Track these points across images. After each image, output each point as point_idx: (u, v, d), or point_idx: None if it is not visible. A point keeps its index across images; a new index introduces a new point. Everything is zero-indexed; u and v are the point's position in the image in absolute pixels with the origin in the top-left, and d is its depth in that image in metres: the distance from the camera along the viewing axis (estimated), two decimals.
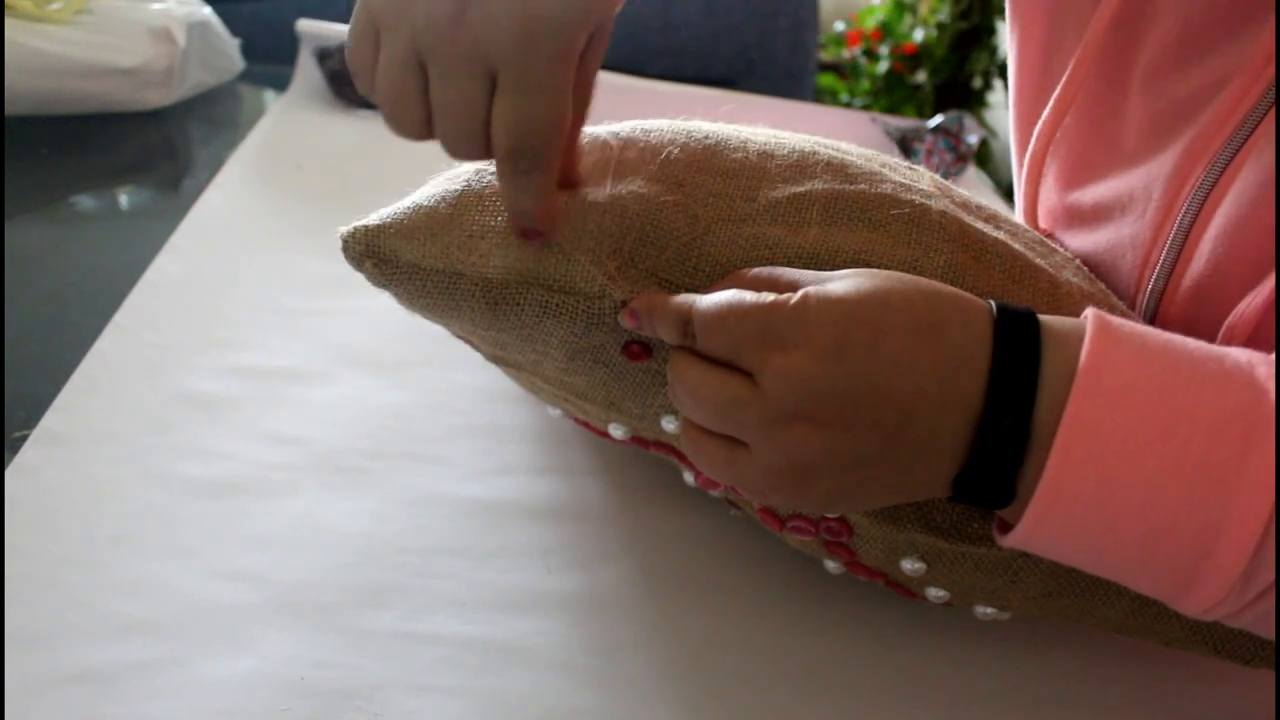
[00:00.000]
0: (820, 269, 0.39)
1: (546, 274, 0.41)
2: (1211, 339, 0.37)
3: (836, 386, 0.33)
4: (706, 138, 0.44)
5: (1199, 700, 0.46)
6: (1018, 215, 0.59)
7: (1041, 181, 0.53)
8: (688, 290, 0.40)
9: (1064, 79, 0.49)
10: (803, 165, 0.43)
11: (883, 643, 0.47)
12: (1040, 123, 0.50)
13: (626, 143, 0.44)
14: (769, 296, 0.35)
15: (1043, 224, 0.55)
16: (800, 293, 0.34)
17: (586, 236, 0.40)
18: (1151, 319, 0.47)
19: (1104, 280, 0.49)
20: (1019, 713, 0.45)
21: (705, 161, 0.43)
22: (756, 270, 0.39)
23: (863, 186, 0.42)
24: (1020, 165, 0.55)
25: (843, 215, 0.41)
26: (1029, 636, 0.48)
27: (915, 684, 0.45)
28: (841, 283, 0.35)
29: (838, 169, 0.43)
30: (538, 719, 0.41)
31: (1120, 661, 0.48)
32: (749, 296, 0.35)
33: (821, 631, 0.47)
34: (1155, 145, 0.46)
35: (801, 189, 0.42)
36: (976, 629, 0.48)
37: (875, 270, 0.36)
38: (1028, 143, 0.53)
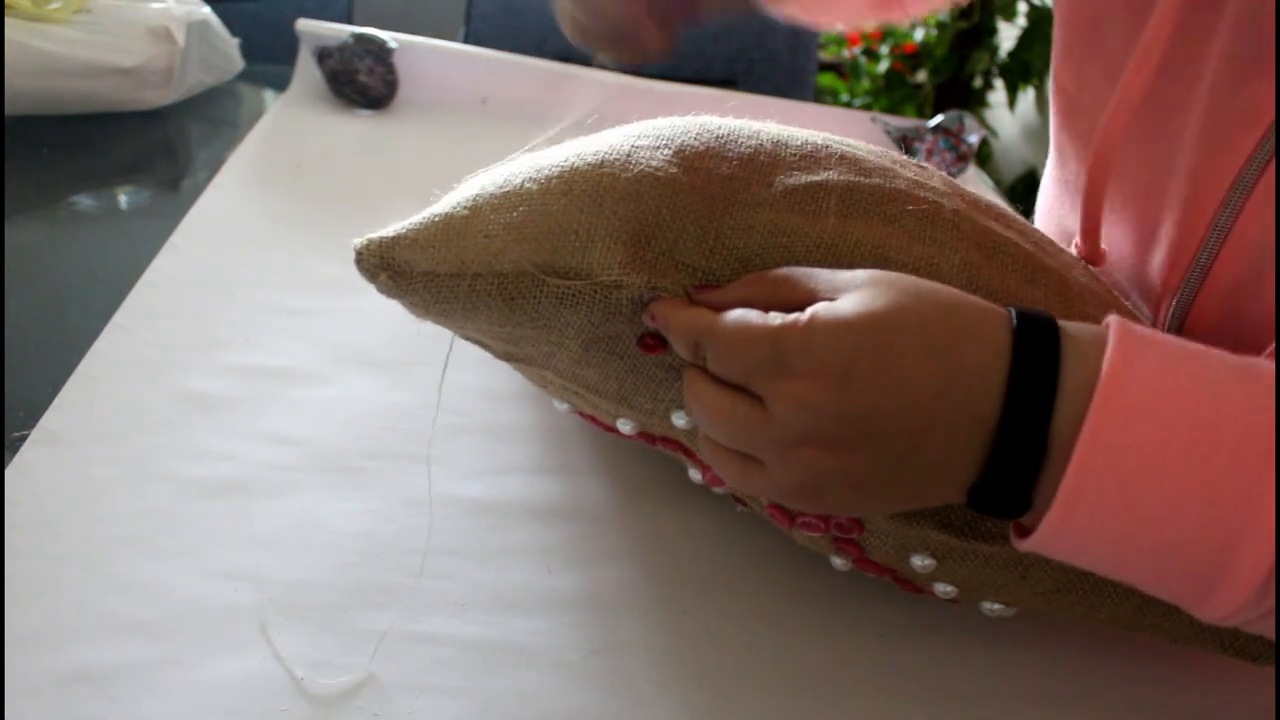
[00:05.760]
0: (839, 261, 0.39)
1: (562, 262, 0.40)
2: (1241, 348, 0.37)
3: (845, 412, 0.33)
4: (719, 128, 0.44)
5: (1201, 700, 0.46)
6: (1047, 179, 0.59)
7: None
8: (706, 273, 0.40)
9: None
10: (817, 156, 0.43)
11: (885, 642, 0.47)
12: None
13: (639, 135, 0.44)
14: (776, 319, 0.34)
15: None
16: (808, 314, 0.34)
17: (602, 221, 0.40)
18: (1181, 322, 0.46)
19: (1130, 273, 0.48)
20: (1022, 713, 0.45)
21: (719, 148, 0.43)
22: (774, 273, 0.39)
23: (878, 180, 0.42)
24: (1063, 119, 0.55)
25: (859, 207, 0.41)
26: (1032, 636, 0.48)
27: (918, 684, 0.45)
28: (855, 297, 0.34)
29: (851, 162, 0.43)
30: (538, 719, 0.41)
31: (1123, 662, 0.48)
32: (755, 319, 0.35)
33: (824, 632, 0.47)
34: (1203, 150, 0.45)
35: (818, 178, 0.42)
36: (980, 630, 0.48)
37: (893, 279, 0.35)
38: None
